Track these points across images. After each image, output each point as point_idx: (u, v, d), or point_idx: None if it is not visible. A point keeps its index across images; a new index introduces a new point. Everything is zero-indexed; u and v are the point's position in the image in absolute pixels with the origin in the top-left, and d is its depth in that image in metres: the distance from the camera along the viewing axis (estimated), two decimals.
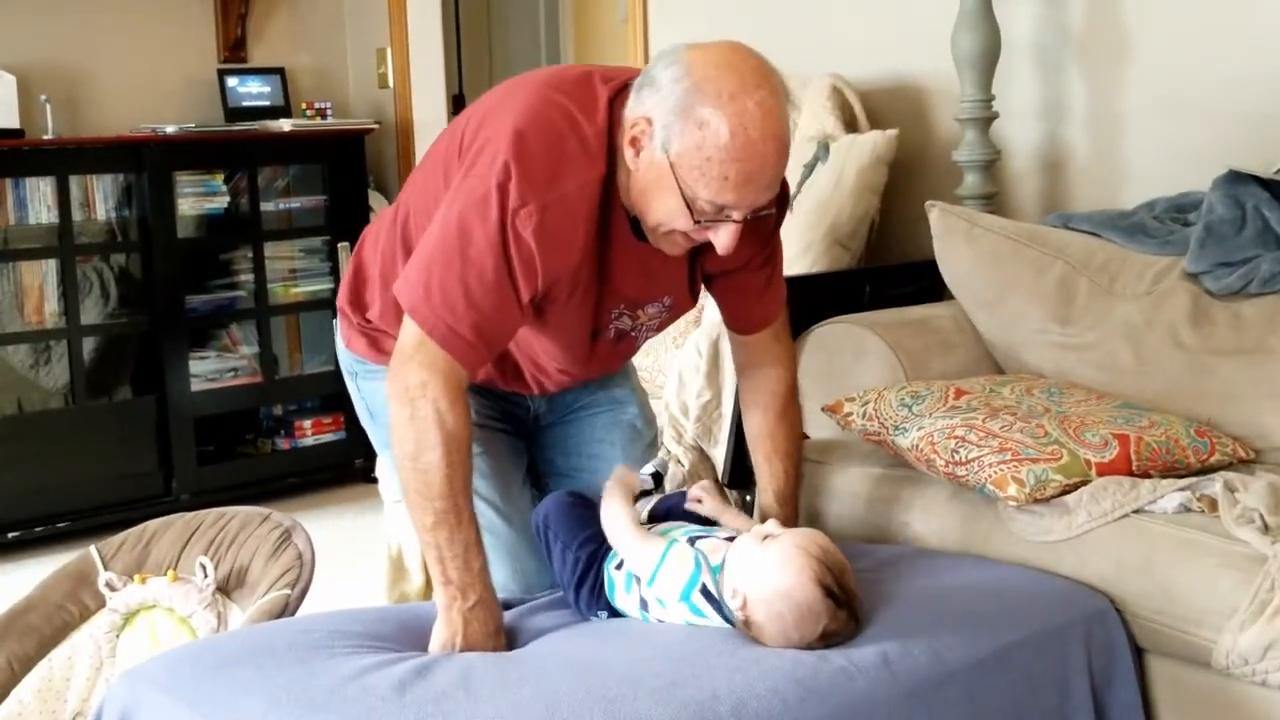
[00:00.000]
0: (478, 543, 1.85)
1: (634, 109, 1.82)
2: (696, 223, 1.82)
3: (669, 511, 2.03)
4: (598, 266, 1.92)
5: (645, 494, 2.05)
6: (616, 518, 1.89)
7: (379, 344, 2.12)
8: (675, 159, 1.78)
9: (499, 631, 1.86)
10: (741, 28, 3.63)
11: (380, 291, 2.08)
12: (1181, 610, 1.97)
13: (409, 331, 1.85)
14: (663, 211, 1.83)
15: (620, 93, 1.86)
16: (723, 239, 1.83)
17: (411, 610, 2.01)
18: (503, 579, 2.09)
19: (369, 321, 2.13)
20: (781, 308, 2.16)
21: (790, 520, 2.14)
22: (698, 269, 2.04)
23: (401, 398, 1.83)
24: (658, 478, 2.07)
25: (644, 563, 1.84)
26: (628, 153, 1.83)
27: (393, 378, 1.85)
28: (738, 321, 2.14)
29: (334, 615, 1.95)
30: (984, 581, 2.02)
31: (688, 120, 1.76)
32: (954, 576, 2.03)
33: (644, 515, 2.01)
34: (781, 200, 2.00)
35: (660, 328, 2.12)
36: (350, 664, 1.73)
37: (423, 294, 1.83)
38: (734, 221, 1.82)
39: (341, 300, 2.17)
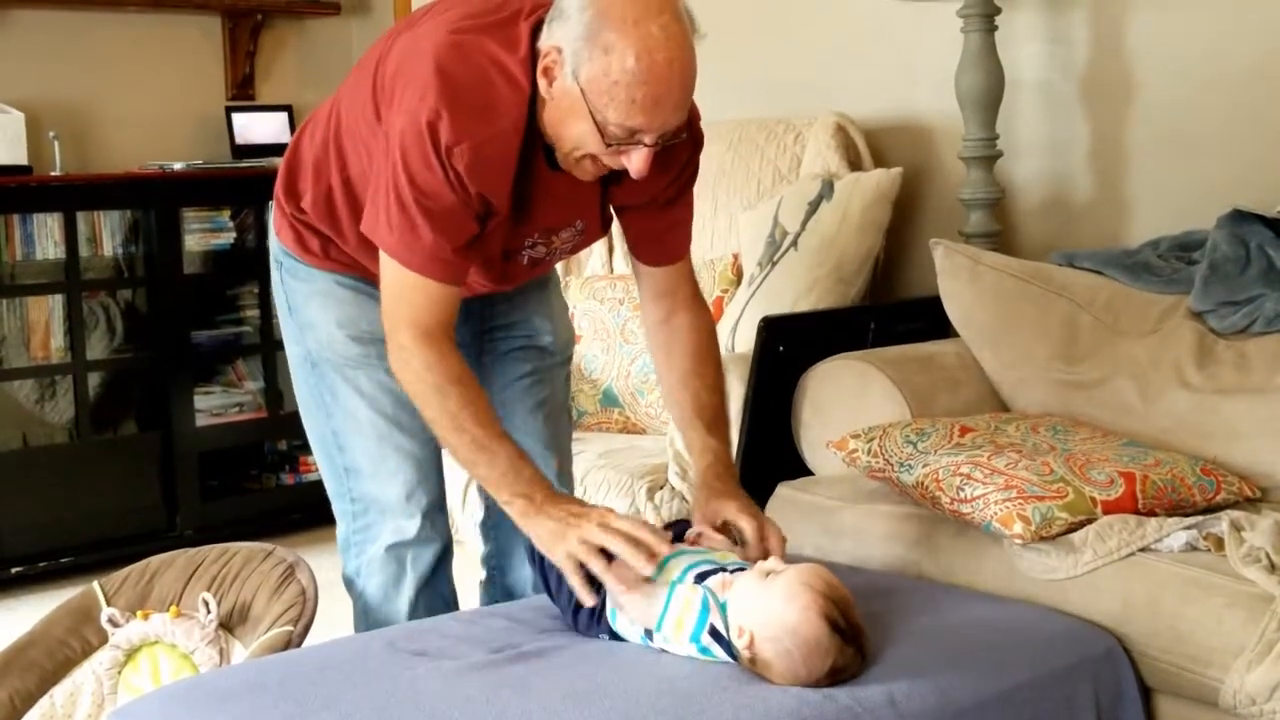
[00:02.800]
0: (519, 454, 1.97)
1: (546, 40, 1.88)
2: (609, 146, 1.87)
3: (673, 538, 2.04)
4: (517, 197, 1.99)
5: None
6: (609, 585, 1.87)
7: (304, 241, 2.22)
8: (585, 85, 1.84)
9: (581, 508, 1.93)
10: (745, 66, 3.66)
11: (312, 181, 2.16)
12: (1188, 649, 1.96)
13: (386, 284, 1.99)
14: (575, 137, 1.90)
15: (540, 27, 1.92)
16: (635, 163, 1.89)
17: (402, 631, 2.01)
18: (405, 489, 2.23)
19: (302, 211, 2.19)
20: (687, 248, 2.20)
21: (728, 476, 2.09)
22: (608, 198, 2.11)
23: (396, 364, 2.00)
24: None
25: (648, 614, 1.83)
26: (541, 83, 1.89)
27: (388, 352, 2.01)
28: (644, 249, 2.17)
29: (324, 648, 1.95)
30: (990, 620, 2.01)
31: (594, 46, 1.82)
32: (960, 615, 2.02)
33: None
34: (695, 150, 2.08)
35: (574, 250, 2.21)
36: (345, 699, 1.73)
37: (395, 238, 1.95)
38: (646, 146, 1.87)
39: (277, 188, 2.24)
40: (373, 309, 2.20)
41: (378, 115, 2.00)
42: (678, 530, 2.07)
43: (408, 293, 1.97)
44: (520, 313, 2.34)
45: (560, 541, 1.88)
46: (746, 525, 1.98)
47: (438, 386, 1.97)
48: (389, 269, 1.98)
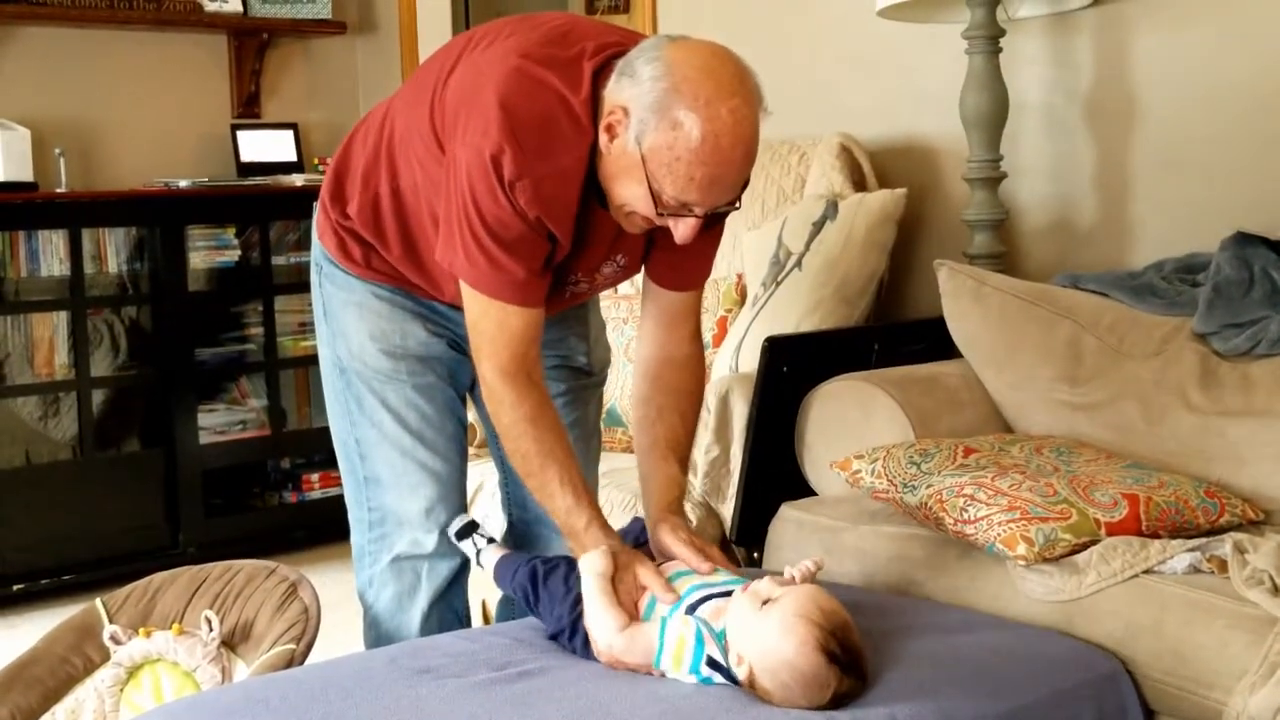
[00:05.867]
0: (593, 498, 2.03)
1: (613, 95, 1.88)
2: (660, 215, 1.89)
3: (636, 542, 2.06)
4: (575, 233, 1.99)
5: (467, 531, 2.21)
6: (602, 621, 1.87)
7: (346, 248, 2.21)
8: (647, 153, 1.84)
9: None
10: None
11: (360, 188, 2.16)
12: (1192, 672, 1.96)
13: (470, 319, 2.01)
14: (626, 196, 1.91)
15: (604, 67, 1.92)
16: (681, 231, 1.91)
17: (404, 649, 2.01)
18: (425, 504, 2.24)
19: (346, 218, 2.19)
20: (706, 277, 2.21)
21: (683, 511, 2.12)
22: (651, 236, 2.11)
23: (486, 399, 2.03)
24: (469, 527, 2.21)
25: (642, 656, 1.83)
26: (602, 137, 1.90)
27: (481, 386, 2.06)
28: (662, 272, 2.17)
29: (326, 666, 1.95)
30: (994, 641, 2.01)
31: (663, 119, 1.82)
32: (963, 636, 2.01)
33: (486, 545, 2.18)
34: (743, 189, 2.06)
35: (613, 283, 2.24)
36: (347, 716, 1.73)
37: (473, 269, 1.96)
38: (695, 217, 1.89)
39: (324, 193, 2.24)
40: (408, 323, 2.21)
41: (436, 138, 2.00)
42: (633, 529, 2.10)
43: (491, 326, 1.99)
44: (556, 332, 2.33)
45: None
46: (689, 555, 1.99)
47: (516, 423, 2.00)
48: (471, 302, 2.00)
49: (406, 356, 2.22)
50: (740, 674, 1.75)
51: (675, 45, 1.87)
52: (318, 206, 2.27)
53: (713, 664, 1.78)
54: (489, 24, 2.09)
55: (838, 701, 1.73)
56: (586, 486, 2.03)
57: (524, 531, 2.45)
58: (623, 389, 3.40)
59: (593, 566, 1.91)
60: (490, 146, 1.87)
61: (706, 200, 1.87)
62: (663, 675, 1.83)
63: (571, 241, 2.00)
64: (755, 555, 2.79)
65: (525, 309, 1.98)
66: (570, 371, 2.38)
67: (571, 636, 1.93)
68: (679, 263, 2.15)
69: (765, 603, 1.77)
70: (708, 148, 1.81)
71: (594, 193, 1.96)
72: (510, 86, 1.90)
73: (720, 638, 1.79)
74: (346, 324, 2.24)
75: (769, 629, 1.73)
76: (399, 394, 2.22)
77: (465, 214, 1.93)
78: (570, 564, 2.00)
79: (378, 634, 2.30)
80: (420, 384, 2.23)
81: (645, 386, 2.19)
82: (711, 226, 1.99)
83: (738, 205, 1.94)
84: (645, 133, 1.83)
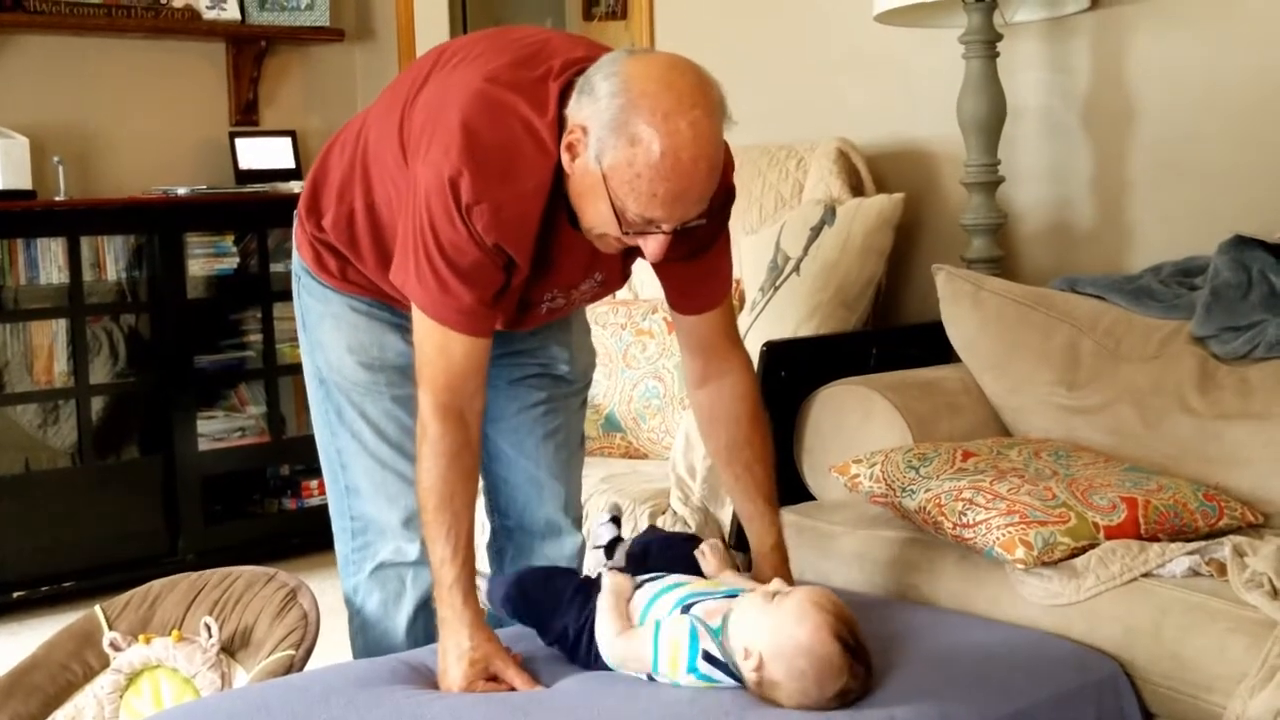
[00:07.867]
0: (473, 559, 1.97)
1: (573, 113, 1.86)
2: (625, 233, 1.87)
3: (645, 550, 2.07)
4: (540, 255, 1.97)
5: (611, 543, 2.14)
6: (601, 629, 1.89)
7: (322, 260, 2.21)
8: (607, 171, 1.81)
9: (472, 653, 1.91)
10: (748, 91, 3.67)
11: (335, 201, 2.16)
12: (1191, 675, 1.96)
13: (417, 339, 1.98)
14: (594, 216, 1.89)
15: (570, 87, 1.90)
16: (651, 248, 1.88)
17: (402, 659, 2.01)
18: (406, 514, 2.22)
19: (321, 230, 2.19)
20: (726, 294, 2.17)
21: (784, 554, 2.14)
22: (633, 254, 2.08)
23: (418, 426, 1.98)
24: (615, 521, 2.17)
25: (639, 661, 1.84)
26: (564, 157, 1.87)
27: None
28: (676, 297, 2.15)
29: (326, 672, 1.95)
30: (993, 645, 2.01)
31: (621, 135, 1.79)
32: (963, 640, 2.02)
33: (620, 558, 2.11)
34: (726, 202, 2.06)
35: (593, 299, 2.21)
36: None
37: (424, 292, 1.94)
38: (663, 233, 1.86)
39: (300, 205, 2.24)
40: (385, 334, 2.21)
41: (404, 154, 2.00)
42: (645, 539, 2.10)
43: (432, 349, 1.96)
44: (538, 339, 2.33)
45: (450, 674, 1.90)
46: None
47: (437, 456, 1.95)
48: (419, 322, 1.98)
49: (385, 368, 2.21)
50: (748, 666, 1.75)
51: (633, 59, 1.84)
52: (295, 218, 2.27)
53: (710, 659, 1.79)
54: (462, 39, 2.08)
55: (845, 698, 1.74)
56: (470, 545, 1.97)
57: (506, 539, 2.45)
58: (621, 395, 3.40)
59: (612, 584, 1.93)
60: (449, 169, 1.86)
61: (672, 216, 1.83)
62: (658, 679, 1.84)
63: (537, 263, 1.98)
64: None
65: (469, 338, 1.95)
66: (551, 380, 2.37)
67: (576, 644, 1.93)
68: (689, 285, 2.13)
69: (774, 597, 1.79)
70: (668, 163, 1.77)
71: (566, 213, 1.94)
72: (474, 109, 1.88)
73: (717, 633, 1.79)
74: (324, 336, 2.24)
75: (783, 618, 1.75)
76: (378, 406, 2.22)
77: (421, 236, 1.91)
78: (572, 573, 2.01)
79: (365, 639, 2.30)
80: (399, 395, 2.21)
81: (702, 421, 2.19)
82: (683, 243, 1.95)
83: (704, 221, 1.91)
84: (605, 151, 1.80)
